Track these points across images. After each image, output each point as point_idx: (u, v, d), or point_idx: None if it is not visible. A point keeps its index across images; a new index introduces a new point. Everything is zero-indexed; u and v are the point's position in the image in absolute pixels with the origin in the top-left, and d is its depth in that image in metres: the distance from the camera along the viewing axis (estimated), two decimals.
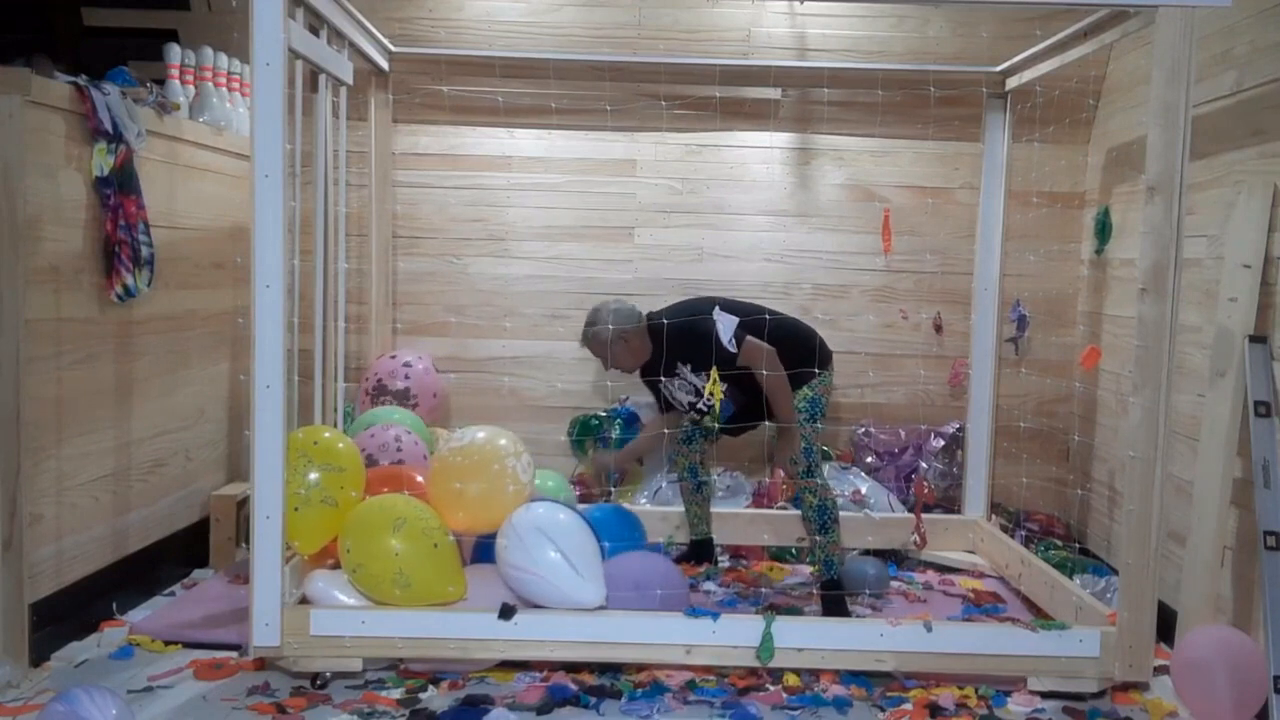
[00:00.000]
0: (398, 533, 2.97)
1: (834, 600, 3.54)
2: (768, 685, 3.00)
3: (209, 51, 3.93)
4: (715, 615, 3.01)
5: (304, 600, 3.06)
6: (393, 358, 4.39)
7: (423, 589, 2.98)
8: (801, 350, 3.58)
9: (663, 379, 3.66)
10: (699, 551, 4.04)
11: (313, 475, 3.04)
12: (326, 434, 3.20)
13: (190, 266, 3.81)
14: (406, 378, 4.32)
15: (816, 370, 3.59)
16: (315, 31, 3.42)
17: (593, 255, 4.63)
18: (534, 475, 3.34)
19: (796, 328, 3.73)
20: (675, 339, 3.57)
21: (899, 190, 4.61)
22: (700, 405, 3.64)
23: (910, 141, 4.56)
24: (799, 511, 3.72)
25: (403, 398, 4.27)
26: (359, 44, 3.89)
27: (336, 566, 3.18)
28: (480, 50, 4.43)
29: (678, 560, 3.95)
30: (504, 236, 4.63)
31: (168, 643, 3.21)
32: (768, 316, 3.54)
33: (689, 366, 3.58)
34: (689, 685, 2.98)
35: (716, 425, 3.72)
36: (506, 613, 2.94)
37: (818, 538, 3.63)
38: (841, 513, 4.19)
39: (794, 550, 4.19)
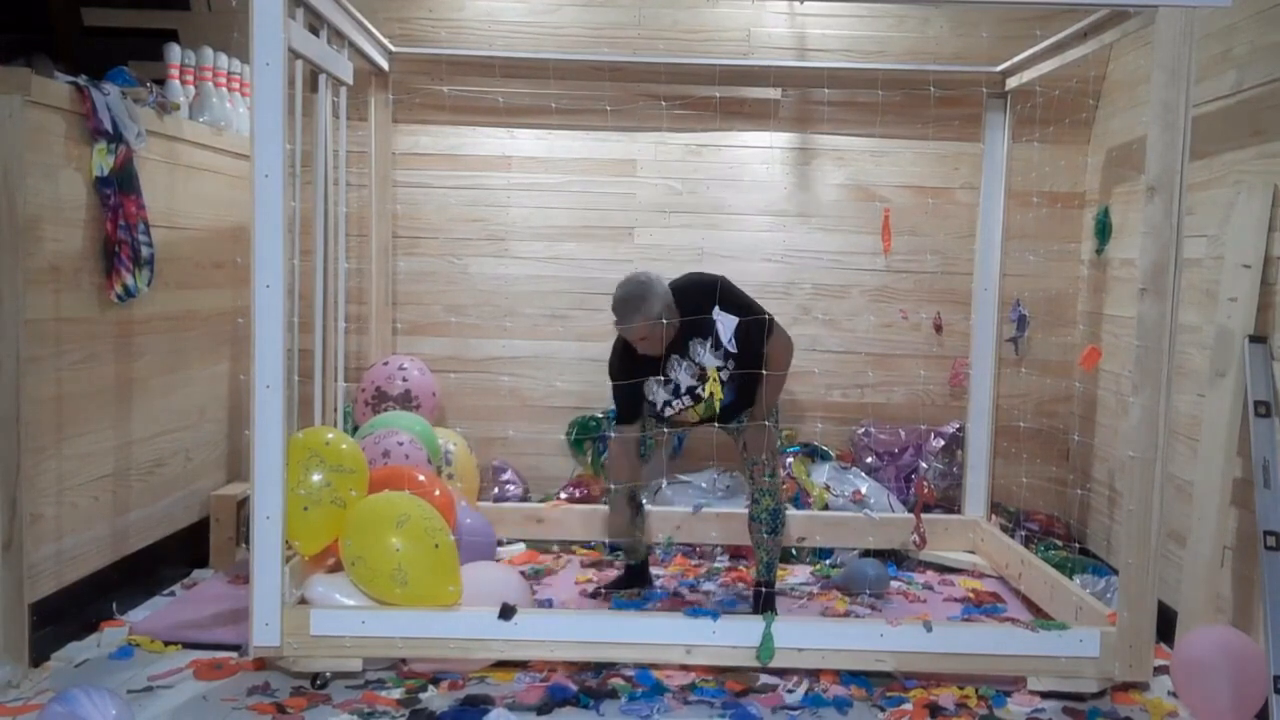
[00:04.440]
0: (400, 529, 2.98)
1: (770, 600, 3.50)
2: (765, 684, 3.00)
3: (209, 51, 3.93)
4: (715, 615, 3.01)
5: (303, 602, 3.06)
6: (385, 364, 4.38)
7: (420, 587, 2.98)
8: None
9: (670, 360, 3.42)
10: (637, 577, 3.79)
11: (324, 476, 3.06)
12: (331, 435, 3.21)
13: (190, 266, 3.81)
14: (404, 380, 4.31)
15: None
16: (315, 31, 3.42)
17: (593, 255, 4.62)
18: None
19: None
20: (701, 310, 3.35)
21: (899, 190, 4.61)
22: (700, 391, 3.47)
23: (910, 141, 4.56)
24: (748, 509, 3.55)
25: (405, 401, 4.27)
26: (359, 44, 3.89)
27: (336, 569, 3.19)
28: (480, 50, 4.43)
29: (612, 587, 3.74)
30: (504, 236, 4.63)
31: (168, 643, 3.21)
32: (767, 316, 3.44)
33: (709, 341, 3.40)
34: (689, 686, 2.98)
35: (698, 417, 3.54)
36: (506, 613, 2.94)
37: (767, 538, 3.50)
38: (842, 513, 4.23)
39: (794, 550, 4.19)
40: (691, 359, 3.45)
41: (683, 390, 3.49)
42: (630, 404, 3.53)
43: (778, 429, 3.58)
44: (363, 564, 2.99)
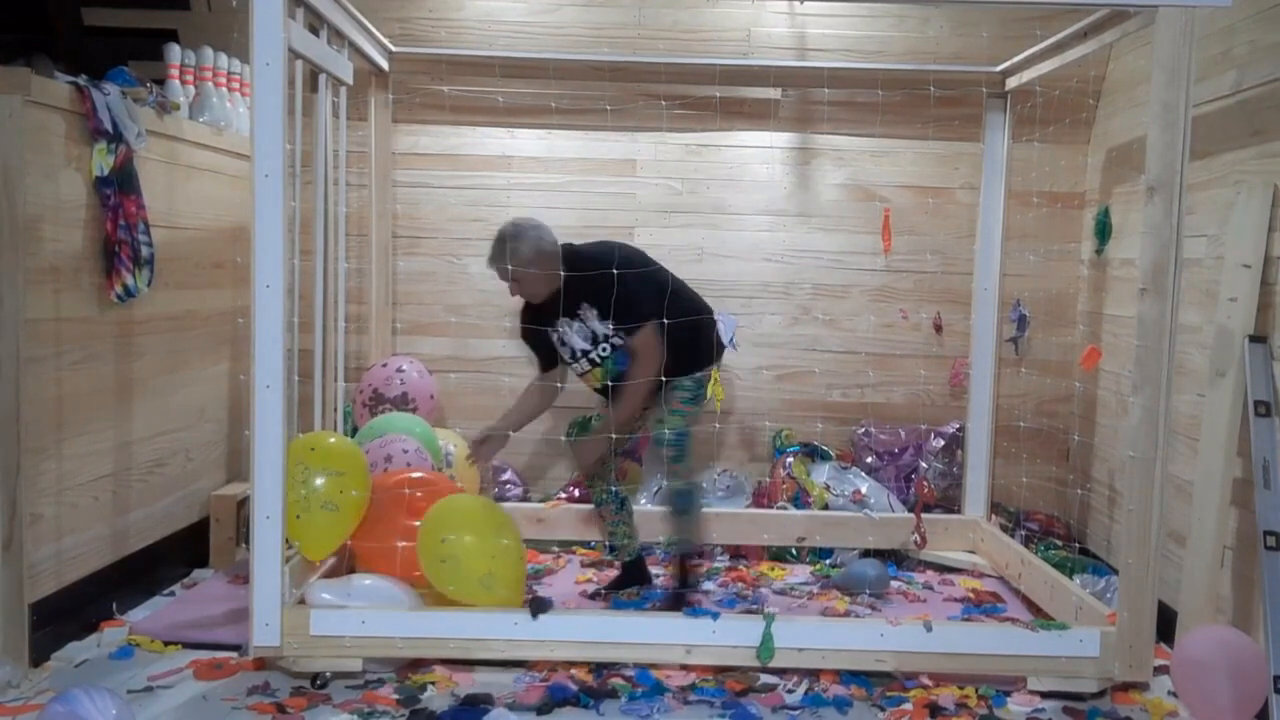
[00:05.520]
0: (499, 537, 3.13)
1: (680, 599, 3.48)
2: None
3: (209, 51, 3.93)
4: (715, 615, 3.01)
5: (303, 602, 3.06)
6: (384, 366, 4.38)
7: (500, 597, 3.11)
8: (702, 340, 3.53)
9: (560, 319, 3.46)
10: (635, 575, 3.77)
11: (314, 481, 3.07)
12: (330, 439, 3.23)
13: (190, 266, 3.81)
14: (402, 384, 4.31)
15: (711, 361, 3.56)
16: (315, 31, 3.42)
17: None
18: None
19: (700, 318, 3.53)
20: (589, 276, 3.35)
21: (899, 190, 4.61)
22: (594, 355, 3.47)
23: (910, 141, 4.55)
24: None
25: (401, 404, 4.26)
26: (359, 44, 3.89)
27: (335, 570, 3.19)
28: (480, 50, 4.43)
29: (611, 588, 3.73)
30: None
31: (168, 643, 3.21)
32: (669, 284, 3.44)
33: (595, 311, 3.41)
34: (689, 686, 2.98)
35: (605, 382, 3.50)
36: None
37: (676, 518, 3.53)
38: (842, 513, 4.22)
39: (794, 550, 4.19)
40: (584, 322, 3.47)
41: (578, 353, 3.51)
42: (535, 351, 3.63)
43: (695, 410, 3.55)
44: (453, 563, 3.07)
